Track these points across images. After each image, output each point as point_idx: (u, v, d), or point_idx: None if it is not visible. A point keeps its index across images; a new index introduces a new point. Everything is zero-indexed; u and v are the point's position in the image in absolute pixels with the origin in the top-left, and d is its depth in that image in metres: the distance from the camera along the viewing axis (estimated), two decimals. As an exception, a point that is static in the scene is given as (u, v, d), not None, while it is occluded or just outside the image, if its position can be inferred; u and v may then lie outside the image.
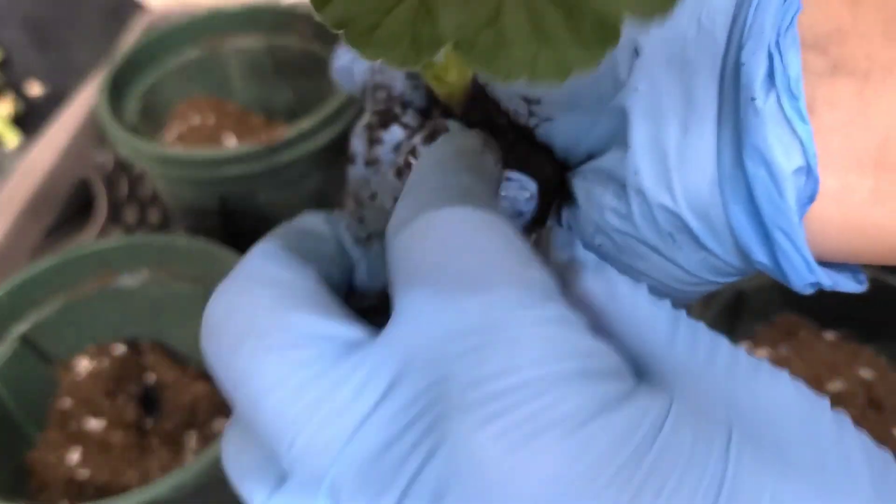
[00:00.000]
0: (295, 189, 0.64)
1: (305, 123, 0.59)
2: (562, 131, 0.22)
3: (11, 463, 0.51)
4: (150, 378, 0.56)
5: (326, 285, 0.20)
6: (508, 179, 0.23)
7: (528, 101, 0.23)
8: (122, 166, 0.72)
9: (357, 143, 0.26)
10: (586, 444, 0.15)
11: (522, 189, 0.23)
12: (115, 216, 0.72)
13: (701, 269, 0.21)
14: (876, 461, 0.17)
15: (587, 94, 0.21)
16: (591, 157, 0.22)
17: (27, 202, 0.59)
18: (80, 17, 0.89)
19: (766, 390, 0.17)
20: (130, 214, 0.74)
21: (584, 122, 0.22)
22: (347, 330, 0.18)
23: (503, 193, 0.23)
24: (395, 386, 0.16)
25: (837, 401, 0.50)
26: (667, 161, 0.19)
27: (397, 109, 0.25)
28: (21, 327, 0.53)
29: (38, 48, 0.90)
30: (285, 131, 0.59)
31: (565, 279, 0.20)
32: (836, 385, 0.51)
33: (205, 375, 0.58)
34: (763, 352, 0.53)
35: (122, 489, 0.49)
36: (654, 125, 0.19)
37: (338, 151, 0.66)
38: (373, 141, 0.25)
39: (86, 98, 0.68)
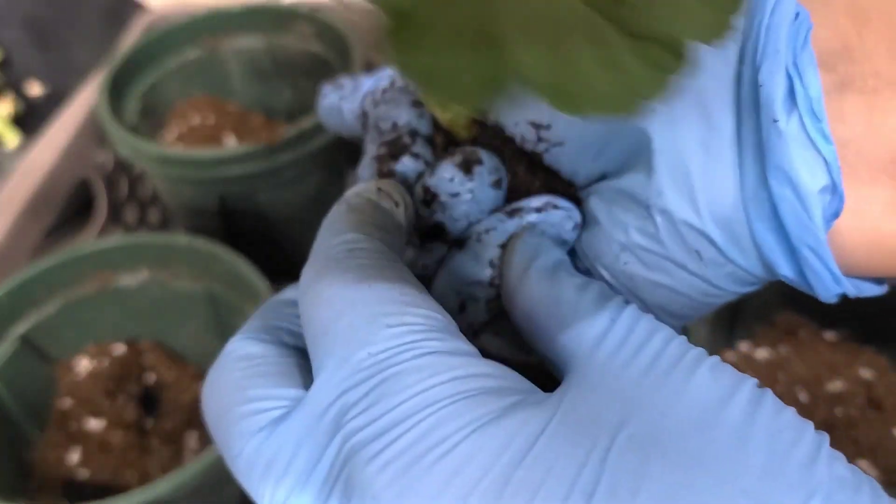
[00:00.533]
0: (295, 189, 0.64)
1: (305, 123, 0.59)
2: (572, 154, 0.23)
3: (11, 463, 0.51)
4: (150, 378, 0.56)
5: (292, 354, 0.22)
6: (555, 207, 0.23)
7: (538, 126, 0.23)
8: (122, 166, 0.72)
9: (365, 177, 0.26)
10: (458, 466, 0.16)
11: (568, 219, 0.23)
12: (115, 216, 0.72)
13: (728, 282, 0.21)
14: (781, 440, 0.17)
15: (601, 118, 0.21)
16: (604, 176, 0.23)
17: (27, 202, 0.59)
18: (80, 17, 0.89)
19: (678, 384, 0.18)
20: (130, 214, 0.75)
21: (596, 144, 0.22)
22: (293, 393, 0.20)
23: (550, 221, 0.23)
24: (320, 446, 0.18)
25: (837, 400, 0.50)
26: (690, 181, 0.20)
27: (406, 139, 0.25)
28: (21, 327, 0.53)
29: (38, 48, 0.90)
30: (285, 131, 0.59)
31: (517, 289, 0.21)
32: (836, 385, 0.51)
33: (204, 375, 0.58)
34: (763, 352, 0.53)
35: (121, 489, 0.49)
36: (675, 146, 0.20)
37: (337, 151, 0.66)
38: (383, 174, 0.25)
39: (86, 98, 0.68)
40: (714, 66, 0.19)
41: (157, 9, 0.81)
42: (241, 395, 0.21)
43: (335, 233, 0.22)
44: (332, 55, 0.71)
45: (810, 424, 0.18)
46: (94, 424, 0.52)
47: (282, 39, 0.74)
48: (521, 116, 0.23)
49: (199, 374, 0.58)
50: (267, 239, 0.68)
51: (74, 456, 0.51)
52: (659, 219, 0.21)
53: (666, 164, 0.20)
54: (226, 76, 0.75)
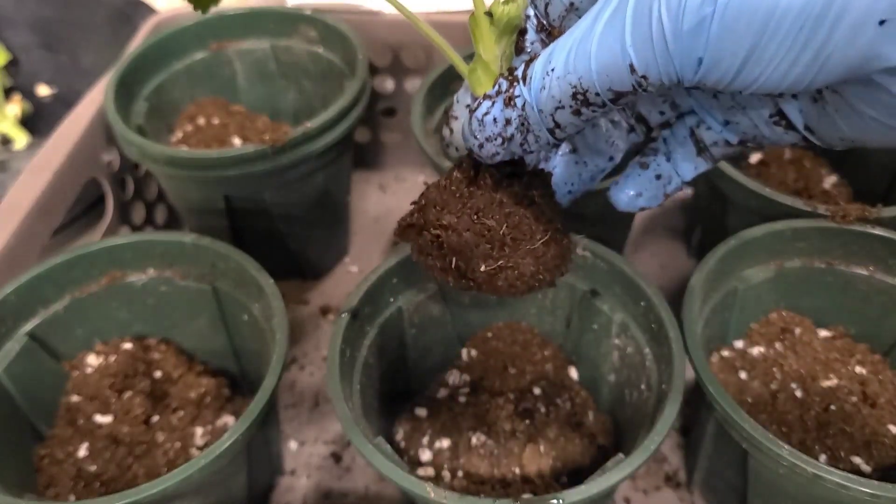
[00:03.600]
0: (300, 189, 0.65)
1: (310, 124, 0.60)
2: None
3: (20, 458, 0.52)
4: (157, 374, 0.57)
5: None
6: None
7: None
8: (128, 166, 0.73)
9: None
10: None
11: None
12: (121, 216, 0.73)
13: None
14: None
15: None
16: None
17: (35, 202, 0.59)
18: (88, 19, 0.90)
19: None
20: (137, 214, 0.75)
21: None
22: None
23: None
24: None
25: (832, 397, 0.51)
26: None
27: None
28: (29, 325, 0.54)
29: (46, 50, 0.90)
30: (290, 132, 0.60)
31: None
32: (830, 381, 0.52)
33: (211, 371, 0.59)
34: (759, 349, 0.54)
35: (129, 484, 0.50)
36: None
37: (342, 152, 0.67)
38: None
39: (93, 99, 0.69)
40: None
41: (164, 11, 0.82)
42: None
43: None
44: (337, 57, 0.72)
45: None
46: (102, 420, 0.53)
47: (287, 42, 0.75)
48: None
49: (206, 371, 0.59)
50: (272, 238, 0.69)
51: (82, 451, 0.52)
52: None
53: None
54: (231, 78, 0.76)
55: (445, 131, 0.38)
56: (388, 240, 0.80)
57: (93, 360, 0.56)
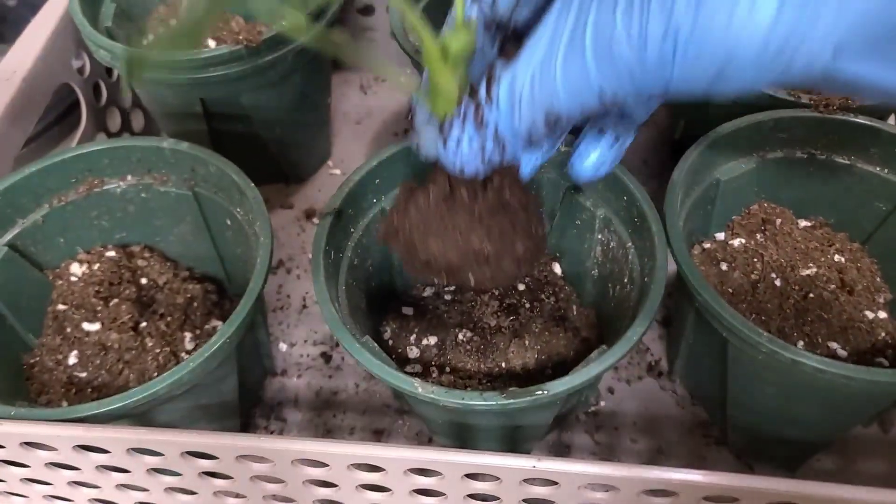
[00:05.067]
0: (278, 91, 0.64)
1: (285, 23, 0.58)
2: None
3: (10, 367, 0.52)
4: (143, 281, 0.57)
5: None
6: None
7: None
8: (100, 71, 0.71)
9: None
10: None
11: None
12: (97, 123, 0.71)
13: None
14: None
15: None
16: None
17: (5, 108, 0.58)
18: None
19: None
20: (112, 121, 0.74)
21: None
22: None
23: None
24: None
25: (811, 284, 0.51)
26: None
27: None
28: (8, 235, 0.53)
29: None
30: (265, 31, 0.58)
31: None
32: (809, 270, 0.52)
33: (197, 277, 0.59)
34: (739, 240, 0.54)
35: (120, 389, 0.50)
36: None
37: (318, 52, 0.65)
38: None
39: (60, 1, 0.66)
40: None
41: None
42: None
43: None
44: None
45: None
46: (90, 328, 0.53)
47: (257, -64, 0.72)
48: None
49: (192, 277, 0.59)
50: (252, 142, 0.68)
51: (72, 358, 0.52)
52: None
53: None
54: (201, -24, 0.73)
55: (412, 142, 0.39)
56: (370, 141, 0.79)
57: (77, 269, 0.56)
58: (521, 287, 0.54)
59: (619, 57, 0.26)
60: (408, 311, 0.54)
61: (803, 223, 0.56)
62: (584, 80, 0.28)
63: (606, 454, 0.55)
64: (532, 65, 0.29)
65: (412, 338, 0.52)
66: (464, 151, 0.34)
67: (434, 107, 0.35)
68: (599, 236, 0.52)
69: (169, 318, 0.54)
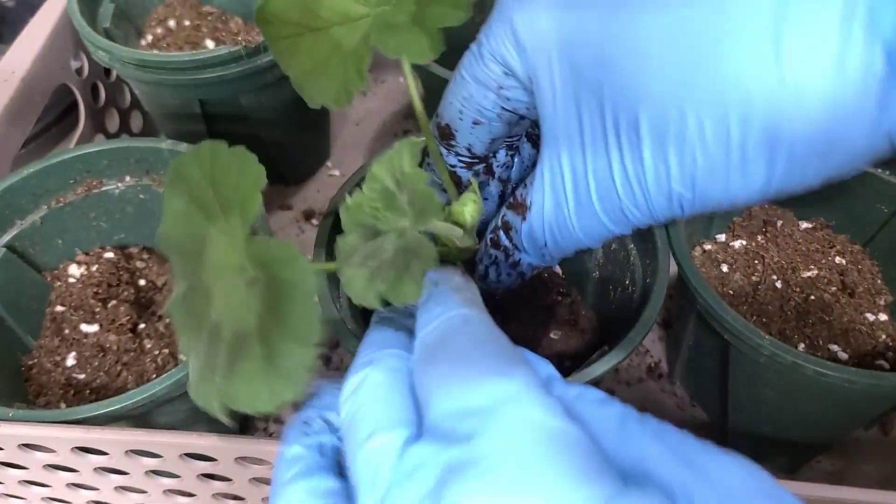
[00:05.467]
0: (277, 92, 0.64)
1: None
2: None
3: (8, 368, 0.52)
4: (142, 282, 0.57)
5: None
6: None
7: None
8: (99, 72, 0.71)
9: None
10: None
11: None
12: (95, 124, 0.71)
13: None
14: None
15: None
16: None
17: (4, 109, 0.58)
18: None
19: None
20: (111, 122, 0.74)
21: None
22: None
23: None
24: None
25: (812, 287, 0.51)
26: None
27: None
28: (7, 236, 0.53)
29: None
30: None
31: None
32: (810, 272, 0.52)
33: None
34: (740, 242, 0.54)
35: (119, 390, 0.50)
36: None
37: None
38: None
39: (58, 1, 0.66)
40: None
41: None
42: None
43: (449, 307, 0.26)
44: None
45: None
46: (88, 329, 0.53)
47: (256, -63, 0.72)
48: None
49: (189, 278, 0.59)
50: (251, 143, 0.67)
51: (70, 360, 0.52)
52: None
53: None
54: (201, -23, 0.73)
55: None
56: (369, 143, 0.79)
57: (75, 271, 0.56)
58: (523, 288, 0.54)
59: (632, 216, 0.29)
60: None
61: (804, 225, 0.56)
62: (603, 227, 0.30)
63: (606, 456, 0.54)
64: (546, 220, 0.32)
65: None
66: (504, 282, 0.37)
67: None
68: (600, 238, 0.51)
69: (167, 320, 0.54)
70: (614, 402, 0.23)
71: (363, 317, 0.50)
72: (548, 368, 0.26)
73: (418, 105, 0.35)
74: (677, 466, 0.21)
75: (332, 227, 0.47)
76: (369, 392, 0.25)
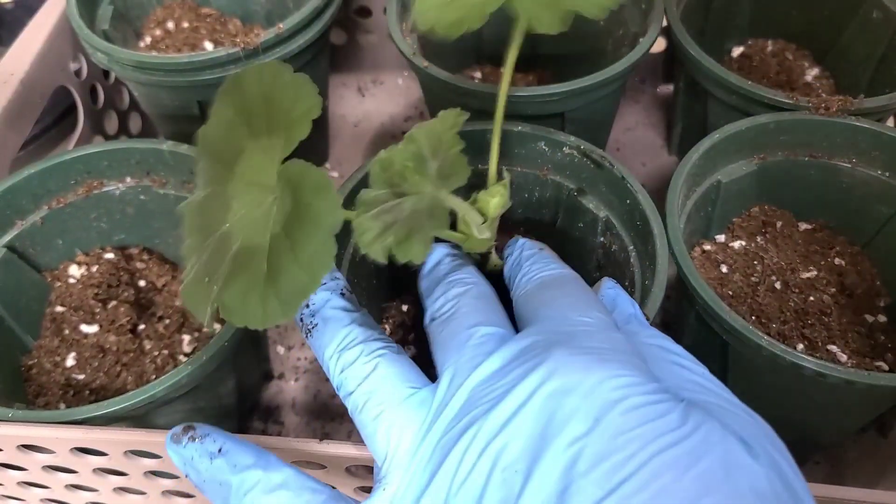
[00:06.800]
0: (275, 93, 0.64)
1: (283, 26, 0.58)
2: None
3: (7, 368, 0.52)
4: (142, 283, 0.57)
5: None
6: None
7: None
8: (98, 74, 0.71)
9: None
10: None
11: None
12: (94, 126, 0.71)
13: None
14: None
15: None
16: None
17: (3, 111, 0.58)
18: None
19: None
20: (110, 124, 0.74)
21: None
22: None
23: None
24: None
25: (811, 288, 0.51)
26: None
27: None
28: (7, 236, 0.53)
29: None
30: (262, 34, 0.58)
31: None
32: (809, 273, 0.52)
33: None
34: (739, 243, 0.54)
35: (119, 391, 0.50)
36: None
37: (317, 54, 0.65)
38: None
39: (56, 3, 0.66)
40: None
41: None
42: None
43: None
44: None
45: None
46: (88, 330, 0.53)
47: (256, -61, 0.72)
48: None
49: (189, 279, 0.59)
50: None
51: (70, 360, 0.52)
52: None
53: None
54: (200, -22, 0.73)
55: None
56: (367, 144, 0.79)
57: (75, 271, 0.56)
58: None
59: None
60: (408, 308, 0.54)
61: (804, 226, 0.56)
62: None
63: (606, 457, 0.54)
64: None
65: (412, 336, 0.52)
66: None
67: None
68: (601, 239, 0.51)
69: (167, 321, 0.54)
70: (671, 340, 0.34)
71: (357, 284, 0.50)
72: (632, 309, 0.37)
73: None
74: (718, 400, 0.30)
75: (356, 185, 0.48)
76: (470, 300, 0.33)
